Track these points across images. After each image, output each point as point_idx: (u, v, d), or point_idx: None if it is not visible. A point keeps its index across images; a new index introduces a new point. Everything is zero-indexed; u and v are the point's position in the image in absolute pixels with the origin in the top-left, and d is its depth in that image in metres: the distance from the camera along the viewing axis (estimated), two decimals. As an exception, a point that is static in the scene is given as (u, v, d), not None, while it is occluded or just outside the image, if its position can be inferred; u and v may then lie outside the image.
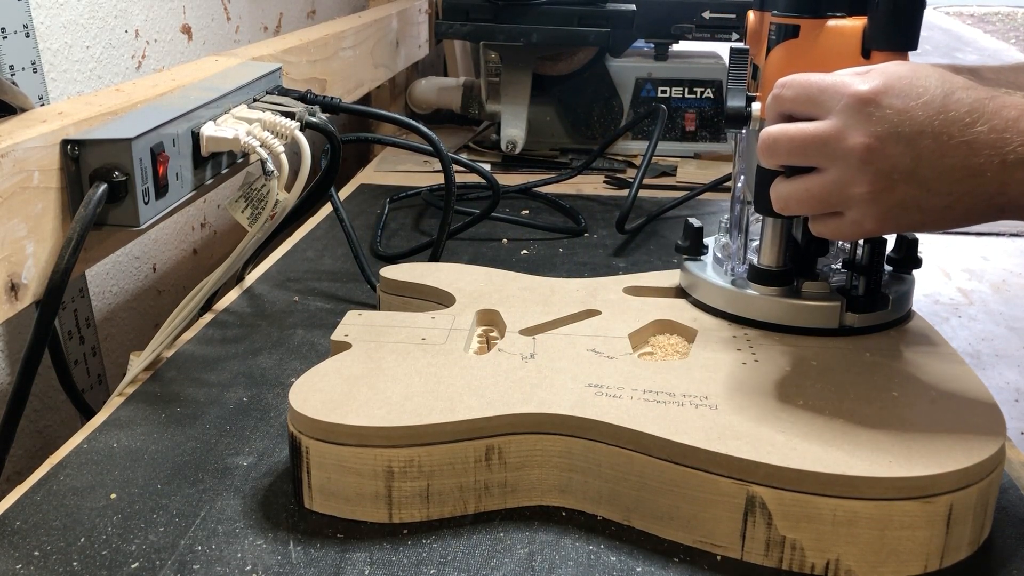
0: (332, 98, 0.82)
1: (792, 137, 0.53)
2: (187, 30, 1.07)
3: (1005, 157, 0.49)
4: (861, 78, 0.52)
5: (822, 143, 0.52)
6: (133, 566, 0.49)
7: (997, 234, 3.24)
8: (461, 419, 0.53)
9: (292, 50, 1.00)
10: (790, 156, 0.54)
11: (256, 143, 0.71)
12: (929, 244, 3.07)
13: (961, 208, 0.51)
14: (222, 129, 0.71)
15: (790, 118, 0.55)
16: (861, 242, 0.63)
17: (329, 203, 1.03)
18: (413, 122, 0.85)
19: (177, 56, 1.05)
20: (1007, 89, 0.52)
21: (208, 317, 0.80)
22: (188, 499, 0.55)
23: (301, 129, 0.74)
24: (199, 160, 0.71)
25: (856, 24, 0.59)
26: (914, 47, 0.59)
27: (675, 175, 1.27)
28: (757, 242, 0.67)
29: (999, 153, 0.49)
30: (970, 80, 0.52)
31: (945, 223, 0.53)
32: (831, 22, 0.60)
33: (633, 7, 1.26)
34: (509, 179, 1.23)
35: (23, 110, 0.66)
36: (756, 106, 0.62)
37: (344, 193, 1.19)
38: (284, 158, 0.72)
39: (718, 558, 0.51)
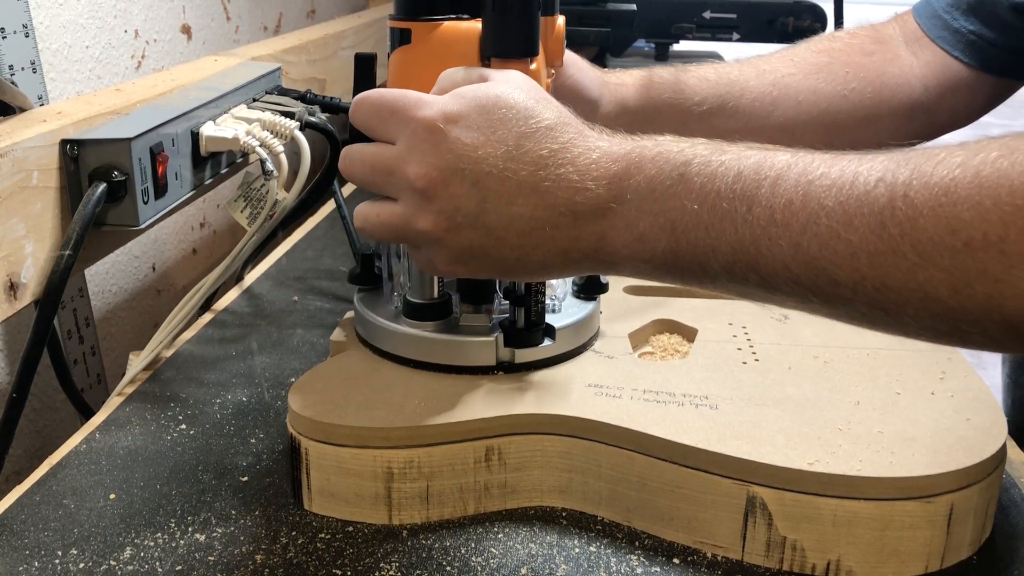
0: (332, 98, 0.82)
1: (364, 159, 0.48)
2: (187, 30, 1.06)
3: (575, 208, 0.44)
4: (435, 101, 0.46)
5: (387, 171, 0.47)
6: (132, 567, 0.49)
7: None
8: (461, 420, 0.53)
9: (292, 50, 1.00)
10: (363, 179, 0.49)
11: (255, 143, 0.70)
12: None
13: (535, 261, 0.45)
14: (221, 129, 0.71)
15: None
16: None
17: (330, 201, 1.03)
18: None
19: (177, 56, 1.04)
20: (603, 128, 0.46)
21: (207, 317, 0.80)
22: (187, 499, 0.55)
23: (301, 129, 0.74)
24: (198, 160, 0.71)
25: (473, 26, 0.52)
26: (533, 53, 0.52)
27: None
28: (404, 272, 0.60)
29: (569, 204, 0.43)
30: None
31: (522, 274, 0.47)
32: (446, 24, 0.53)
33: (633, 7, 1.26)
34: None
35: (22, 110, 0.66)
36: None
37: (344, 193, 1.18)
38: (283, 158, 0.72)
39: (719, 559, 0.51)
